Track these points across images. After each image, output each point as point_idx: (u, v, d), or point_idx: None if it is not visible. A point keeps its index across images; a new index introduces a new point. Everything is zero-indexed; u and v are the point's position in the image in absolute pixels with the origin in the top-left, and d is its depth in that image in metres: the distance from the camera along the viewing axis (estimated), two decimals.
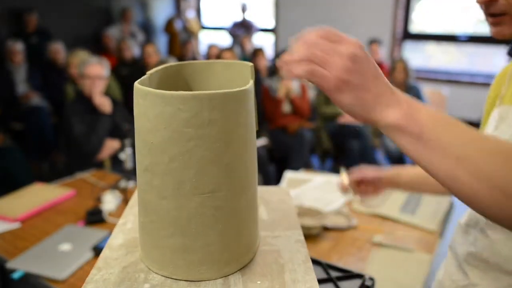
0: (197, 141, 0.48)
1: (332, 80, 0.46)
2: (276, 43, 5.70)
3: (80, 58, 3.18)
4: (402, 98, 0.45)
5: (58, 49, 4.23)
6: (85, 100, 2.54)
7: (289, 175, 2.15)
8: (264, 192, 0.81)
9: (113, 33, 5.30)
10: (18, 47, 4.02)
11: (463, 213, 0.74)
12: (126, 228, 0.66)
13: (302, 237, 0.64)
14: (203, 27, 6.48)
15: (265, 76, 3.84)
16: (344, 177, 1.10)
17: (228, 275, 0.55)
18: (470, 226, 0.69)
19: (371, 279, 0.91)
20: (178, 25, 5.94)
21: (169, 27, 5.91)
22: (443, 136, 0.42)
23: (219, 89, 0.51)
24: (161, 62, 2.95)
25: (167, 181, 0.50)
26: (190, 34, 5.75)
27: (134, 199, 0.77)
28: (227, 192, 0.52)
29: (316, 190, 1.95)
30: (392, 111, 0.44)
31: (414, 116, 0.43)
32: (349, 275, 0.90)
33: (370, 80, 0.45)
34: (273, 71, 3.55)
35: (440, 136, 0.42)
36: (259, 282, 0.53)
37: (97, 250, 1.41)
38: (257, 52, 4.12)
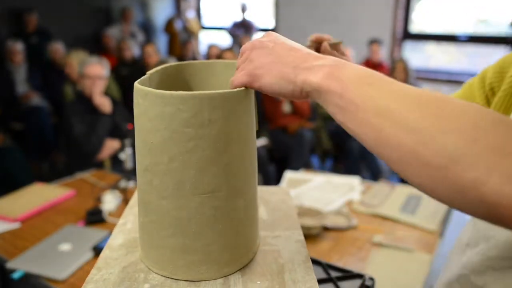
0: (197, 141, 0.48)
1: (244, 75, 0.49)
2: None
3: (79, 58, 3.18)
4: (327, 61, 0.43)
5: (58, 49, 4.24)
6: (85, 100, 2.54)
7: (289, 175, 2.15)
8: (264, 192, 0.81)
9: (113, 33, 5.31)
10: (18, 47, 4.02)
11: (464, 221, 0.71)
12: (126, 228, 0.66)
13: (302, 237, 0.64)
14: (203, 27, 6.48)
15: None
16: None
17: (228, 275, 0.55)
18: (469, 246, 0.66)
19: (371, 279, 0.91)
20: (178, 25, 5.94)
21: (169, 27, 5.91)
22: (366, 91, 0.39)
23: (219, 89, 0.51)
24: (161, 62, 2.95)
25: (167, 181, 0.50)
26: (190, 34, 5.76)
27: (134, 199, 0.77)
28: (227, 192, 0.52)
29: (316, 190, 1.96)
30: (314, 74, 0.43)
31: (336, 74, 0.41)
32: (349, 275, 0.90)
33: (284, 55, 0.46)
34: None
35: (362, 92, 0.39)
36: (259, 282, 0.53)
37: (97, 250, 1.41)
38: None
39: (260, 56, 0.48)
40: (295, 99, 0.47)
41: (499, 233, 0.58)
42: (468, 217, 0.72)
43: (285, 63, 0.46)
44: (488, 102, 0.70)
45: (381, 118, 0.37)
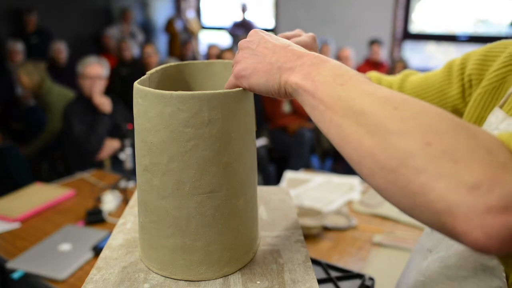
0: (197, 141, 0.48)
1: (232, 77, 0.51)
2: None
3: (27, 70, 3.18)
4: (307, 60, 0.44)
5: (60, 48, 4.24)
6: (85, 100, 2.54)
7: (289, 175, 2.15)
8: (264, 192, 0.81)
9: (113, 33, 5.31)
10: (18, 47, 4.02)
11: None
12: (126, 228, 0.66)
13: (302, 237, 0.64)
14: (203, 27, 6.48)
15: None
16: None
17: (228, 275, 0.55)
18: (432, 252, 0.64)
19: (371, 279, 0.91)
20: (178, 25, 5.94)
21: (169, 27, 5.91)
22: (336, 92, 0.39)
23: (218, 89, 0.51)
24: (161, 64, 2.95)
25: (167, 181, 0.50)
26: (190, 34, 5.76)
27: (134, 199, 0.77)
28: (227, 192, 0.52)
29: (316, 190, 1.96)
30: (295, 75, 0.44)
31: (312, 75, 0.42)
32: (349, 275, 0.90)
33: (268, 55, 0.47)
34: None
35: (332, 92, 0.39)
36: (258, 282, 0.53)
37: (97, 250, 1.41)
38: None
39: (245, 57, 0.50)
40: (281, 98, 0.48)
41: None
42: None
43: (269, 63, 0.47)
44: (463, 91, 0.68)
45: (346, 119, 0.37)
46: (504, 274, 0.49)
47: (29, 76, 3.15)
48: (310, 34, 0.63)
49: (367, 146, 0.35)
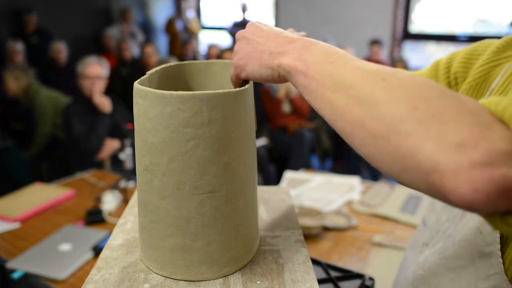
0: (197, 141, 0.48)
1: (232, 68, 0.54)
2: None
3: (16, 75, 3.18)
4: (298, 44, 0.46)
5: (60, 48, 4.24)
6: (85, 100, 2.54)
7: (289, 175, 2.15)
8: (264, 191, 0.81)
9: (113, 33, 5.31)
10: (18, 47, 4.02)
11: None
12: (126, 228, 0.66)
13: (302, 237, 0.64)
14: (203, 27, 6.48)
15: None
16: None
17: (228, 275, 0.55)
18: (428, 245, 0.66)
19: (371, 279, 0.91)
20: (178, 25, 5.94)
21: (169, 27, 5.91)
22: (326, 69, 0.41)
23: (219, 89, 0.51)
24: (161, 62, 2.95)
25: (167, 181, 0.50)
26: (190, 34, 5.75)
27: (134, 199, 0.77)
28: (227, 192, 0.52)
29: (316, 190, 1.96)
30: (287, 57, 0.45)
31: (303, 56, 0.44)
32: (349, 275, 0.90)
33: (261, 43, 0.49)
34: None
35: (323, 70, 0.41)
36: (259, 282, 0.53)
37: (97, 250, 1.41)
38: None
39: (241, 47, 0.52)
40: (276, 83, 0.50)
41: (456, 231, 0.58)
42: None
43: (262, 50, 0.49)
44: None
45: (337, 93, 0.39)
46: (501, 260, 0.50)
47: (16, 81, 3.15)
48: (302, 33, 0.65)
49: (357, 116, 0.36)
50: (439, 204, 0.67)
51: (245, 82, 0.56)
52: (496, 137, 0.30)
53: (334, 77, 0.40)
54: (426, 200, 1.79)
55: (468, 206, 0.30)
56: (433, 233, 0.66)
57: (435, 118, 0.32)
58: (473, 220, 0.55)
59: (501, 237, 0.51)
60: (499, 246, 0.51)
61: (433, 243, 0.64)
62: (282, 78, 0.48)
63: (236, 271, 0.55)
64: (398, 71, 0.38)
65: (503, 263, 0.50)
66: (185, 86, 0.67)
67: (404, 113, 0.33)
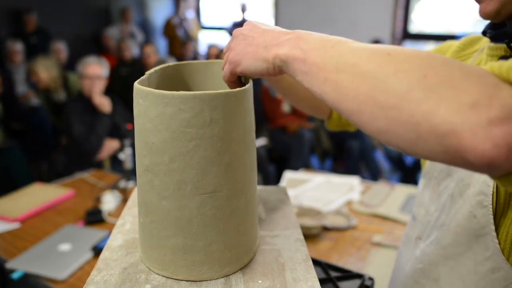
0: (198, 141, 0.48)
1: (227, 64, 0.54)
2: None
3: (46, 65, 3.16)
4: (293, 35, 0.46)
5: (60, 48, 4.24)
6: (84, 100, 2.54)
7: (288, 175, 2.15)
8: (262, 191, 0.81)
9: (112, 33, 5.30)
10: (17, 47, 4.02)
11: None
12: (125, 229, 0.66)
13: (302, 236, 0.64)
14: (203, 27, 6.48)
15: None
16: None
17: (229, 275, 0.55)
18: (422, 238, 0.67)
19: (371, 279, 0.91)
20: (178, 28, 5.92)
21: (167, 29, 5.86)
22: (327, 52, 0.41)
23: (217, 89, 0.51)
24: (160, 62, 2.95)
25: (168, 181, 0.50)
26: (190, 37, 5.75)
27: (131, 200, 0.77)
28: (228, 191, 0.52)
29: (315, 190, 1.96)
30: (282, 48, 0.46)
31: (300, 44, 0.44)
32: (348, 275, 0.90)
33: (256, 38, 0.50)
34: None
35: (323, 54, 0.41)
36: (260, 281, 0.53)
37: (97, 250, 1.41)
38: None
39: (237, 43, 0.53)
40: (271, 76, 0.50)
41: (449, 218, 0.59)
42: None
43: (258, 45, 0.49)
44: None
45: (340, 74, 0.39)
46: (496, 241, 0.52)
47: (47, 70, 3.12)
48: None
49: (365, 91, 0.36)
50: (426, 197, 0.68)
51: (240, 80, 0.56)
52: (506, 95, 0.31)
53: (337, 59, 0.40)
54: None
55: (489, 164, 0.31)
56: (424, 225, 0.67)
57: (445, 83, 0.32)
58: (465, 205, 0.56)
59: (494, 218, 0.52)
60: (493, 227, 0.52)
61: (426, 235, 0.65)
62: (277, 70, 0.48)
63: (237, 271, 0.56)
64: (401, 47, 0.38)
65: (499, 243, 0.52)
66: (184, 86, 0.67)
67: (414, 81, 0.33)
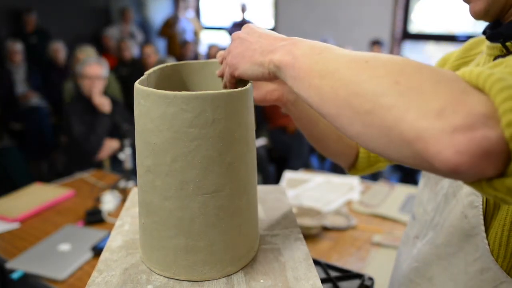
0: (200, 141, 0.48)
1: (226, 66, 0.55)
2: None
3: (87, 53, 3.18)
4: (288, 41, 0.48)
5: (59, 48, 4.23)
6: (84, 100, 2.54)
7: (288, 175, 2.15)
8: (260, 191, 0.81)
9: (112, 33, 5.30)
10: (17, 47, 4.02)
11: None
12: (124, 230, 0.66)
13: (301, 235, 0.64)
14: (203, 27, 6.47)
15: None
16: None
17: (231, 275, 0.55)
18: (419, 238, 0.67)
19: (371, 279, 0.91)
20: (180, 25, 5.92)
21: (165, 30, 5.84)
22: (314, 59, 0.43)
23: (216, 89, 0.51)
24: (159, 62, 2.95)
25: (170, 181, 0.50)
26: (193, 35, 5.74)
27: (130, 201, 0.76)
28: (230, 191, 0.52)
29: (315, 190, 1.96)
30: (276, 54, 0.47)
31: (292, 51, 0.46)
32: (348, 275, 0.90)
33: (253, 43, 0.51)
34: None
35: (310, 60, 0.43)
36: (262, 280, 0.53)
37: (97, 250, 1.41)
38: None
39: (235, 47, 0.54)
40: (266, 81, 0.52)
41: (442, 218, 0.60)
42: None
43: (254, 50, 0.51)
44: None
45: (323, 79, 0.40)
46: (486, 241, 0.52)
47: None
48: None
49: (343, 96, 0.38)
50: (425, 196, 0.69)
51: (238, 82, 0.56)
52: (473, 102, 0.31)
53: (321, 65, 0.41)
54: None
55: (453, 170, 0.31)
56: (422, 224, 0.68)
57: (415, 89, 0.33)
58: (458, 205, 0.56)
59: (485, 219, 0.53)
60: (483, 228, 0.53)
61: (423, 234, 0.66)
62: (272, 75, 0.49)
63: (238, 270, 0.56)
64: (381, 54, 0.40)
65: (488, 244, 0.52)
66: (182, 86, 0.66)
67: (386, 87, 0.35)
